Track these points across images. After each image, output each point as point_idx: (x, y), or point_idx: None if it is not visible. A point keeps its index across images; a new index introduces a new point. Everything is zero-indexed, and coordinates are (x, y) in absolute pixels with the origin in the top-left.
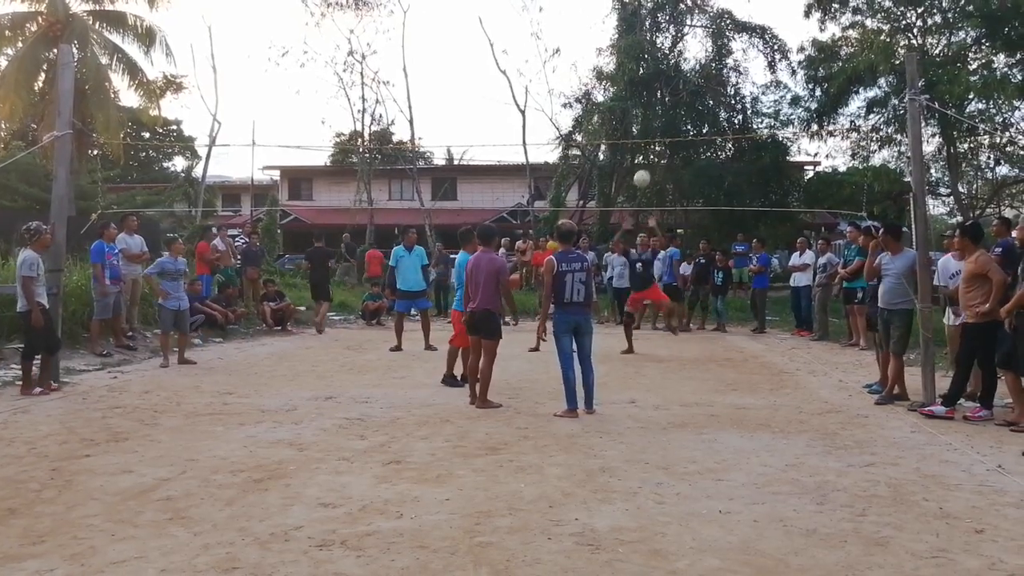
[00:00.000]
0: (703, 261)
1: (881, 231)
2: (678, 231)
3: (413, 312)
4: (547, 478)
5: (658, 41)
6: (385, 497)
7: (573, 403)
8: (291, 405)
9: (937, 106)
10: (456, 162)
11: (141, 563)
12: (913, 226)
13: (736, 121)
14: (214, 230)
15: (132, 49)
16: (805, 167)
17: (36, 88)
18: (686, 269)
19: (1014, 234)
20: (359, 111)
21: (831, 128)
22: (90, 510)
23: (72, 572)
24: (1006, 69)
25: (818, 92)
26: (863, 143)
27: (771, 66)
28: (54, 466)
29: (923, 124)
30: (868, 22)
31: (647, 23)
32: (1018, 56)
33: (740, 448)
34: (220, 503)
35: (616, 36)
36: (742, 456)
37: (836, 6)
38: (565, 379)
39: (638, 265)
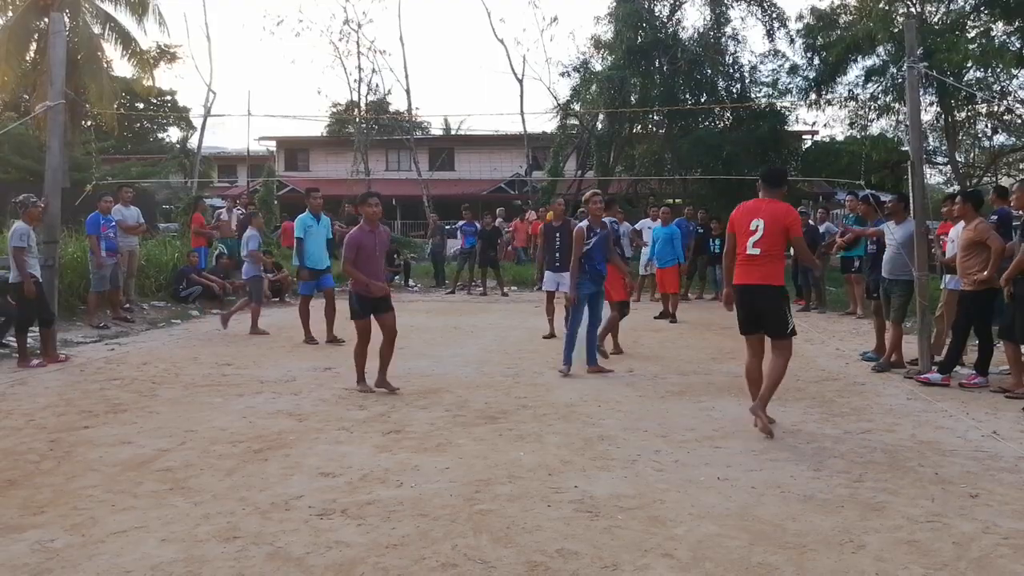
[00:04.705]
0: (701, 231)
1: (862, 200)
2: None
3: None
4: (546, 446)
5: (656, 9)
6: (385, 466)
7: None
8: (290, 376)
9: (935, 74)
10: (453, 132)
11: (142, 533)
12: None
13: (734, 90)
14: (211, 202)
15: (124, 18)
16: (803, 136)
17: (28, 58)
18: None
19: (1013, 201)
20: (355, 81)
21: (829, 97)
22: (89, 481)
23: (73, 542)
24: (1004, 37)
25: (816, 61)
26: (861, 112)
27: (769, 35)
28: (53, 438)
29: (921, 92)
30: None
31: None
32: (1016, 24)
33: (738, 416)
34: (220, 473)
35: (614, 4)
36: (740, 424)
37: None
38: None
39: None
